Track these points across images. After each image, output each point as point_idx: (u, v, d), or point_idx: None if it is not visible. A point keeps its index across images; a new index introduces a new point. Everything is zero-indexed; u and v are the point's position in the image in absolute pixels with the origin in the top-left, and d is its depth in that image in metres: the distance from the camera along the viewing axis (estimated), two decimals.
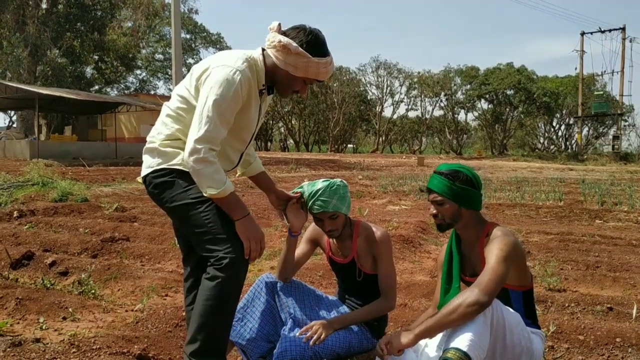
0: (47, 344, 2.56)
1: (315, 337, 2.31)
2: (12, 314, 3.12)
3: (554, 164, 29.59)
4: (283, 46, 2.05)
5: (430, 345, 2.12)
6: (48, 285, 3.61)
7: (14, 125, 36.99)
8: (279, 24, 2.13)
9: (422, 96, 49.30)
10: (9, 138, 25.31)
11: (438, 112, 50.56)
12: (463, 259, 2.23)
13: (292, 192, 2.49)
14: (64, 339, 2.67)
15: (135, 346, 2.61)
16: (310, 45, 2.06)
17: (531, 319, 2.18)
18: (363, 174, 17.04)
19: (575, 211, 8.38)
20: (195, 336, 2.03)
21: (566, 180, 14.72)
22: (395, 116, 52.60)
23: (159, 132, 2.16)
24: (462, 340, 1.81)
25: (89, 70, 36.72)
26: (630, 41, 38.01)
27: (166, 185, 2.10)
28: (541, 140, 51.38)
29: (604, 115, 40.87)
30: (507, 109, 45.52)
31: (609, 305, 3.33)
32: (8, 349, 2.39)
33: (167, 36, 40.63)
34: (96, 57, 34.36)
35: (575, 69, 40.29)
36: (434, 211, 2.18)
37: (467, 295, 1.86)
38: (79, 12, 29.71)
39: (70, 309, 3.18)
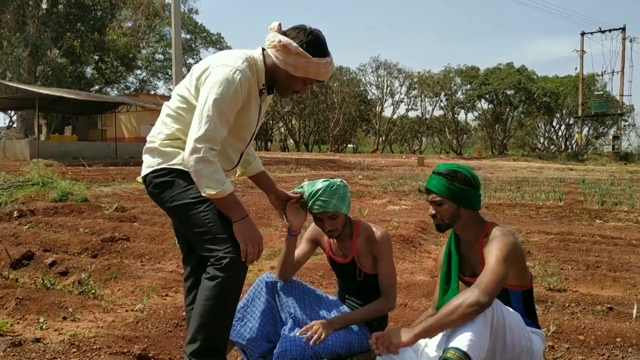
0: (47, 343, 2.56)
1: (315, 337, 2.31)
2: (12, 314, 3.12)
3: (554, 164, 29.59)
4: (283, 46, 2.05)
5: (430, 345, 2.12)
6: (48, 285, 3.61)
7: (14, 125, 37.00)
8: (279, 24, 2.13)
9: (422, 96, 49.31)
10: (9, 138, 25.31)
11: (438, 112, 50.62)
12: (462, 259, 2.23)
13: (292, 192, 2.49)
14: (64, 339, 2.67)
15: (136, 346, 2.61)
16: (311, 46, 2.06)
17: (531, 319, 2.18)
18: (363, 174, 17.04)
19: (576, 211, 8.38)
20: (196, 336, 2.03)
21: (566, 180, 14.72)
22: (395, 116, 52.66)
23: (159, 131, 2.16)
24: (462, 340, 1.81)
25: (89, 70, 36.73)
26: (631, 41, 38.06)
27: (166, 185, 2.10)
28: (541, 140, 51.39)
29: (604, 115, 40.86)
30: (507, 109, 45.51)
31: (609, 305, 3.33)
32: (8, 349, 2.38)
33: (167, 36, 40.64)
34: (96, 57, 34.37)
35: (576, 69, 40.35)
36: (433, 211, 2.18)
37: (468, 296, 1.86)
38: (79, 12, 29.71)
39: (70, 309, 3.18)
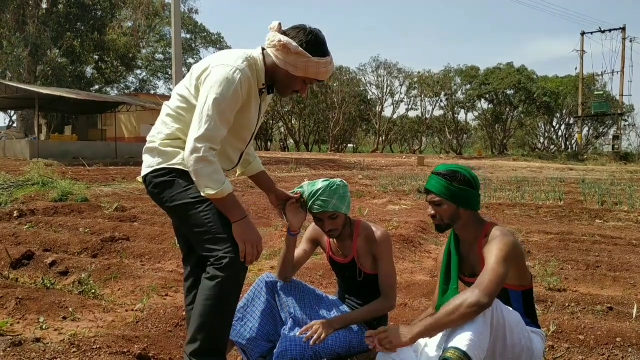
0: (48, 343, 2.56)
1: (315, 336, 2.30)
2: (12, 314, 3.12)
3: (554, 163, 29.59)
4: (283, 45, 2.05)
5: (430, 345, 2.12)
6: (48, 285, 3.61)
7: (14, 125, 37.00)
8: (279, 24, 2.13)
9: (422, 96, 49.31)
10: (9, 138, 25.32)
11: (438, 112, 50.62)
12: (462, 259, 2.23)
13: (292, 192, 2.49)
14: (64, 339, 2.67)
15: (136, 346, 2.61)
16: (310, 45, 2.06)
17: (531, 319, 2.18)
18: (363, 173, 17.04)
19: (576, 211, 8.38)
20: (196, 336, 2.03)
21: (566, 180, 14.72)
22: (395, 116, 52.66)
23: (159, 131, 2.16)
24: (462, 340, 1.81)
25: (89, 70, 36.73)
26: (631, 41, 38.05)
27: (166, 184, 2.10)
28: (541, 140, 51.38)
29: (604, 115, 40.85)
30: (507, 109, 45.51)
31: (609, 305, 3.33)
32: (8, 349, 2.38)
33: (167, 36, 40.64)
34: (96, 57, 34.37)
35: (576, 69, 40.33)
36: (432, 212, 2.18)
37: (468, 296, 1.86)
38: (79, 12, 29.71)
39: (70, 309, 3.18)
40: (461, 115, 50.78)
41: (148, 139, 2.20)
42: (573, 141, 46.61)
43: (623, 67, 37.37)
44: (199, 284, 2.08)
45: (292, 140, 52.68)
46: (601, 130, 46.87)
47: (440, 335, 2.03)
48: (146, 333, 2.83)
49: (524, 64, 45.23)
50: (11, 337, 2.56)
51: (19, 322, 3.02)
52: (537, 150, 48.25)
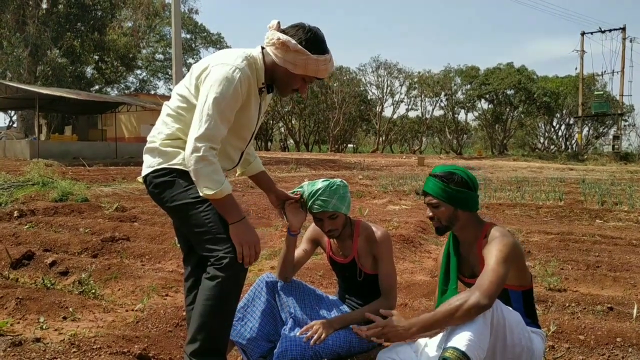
0: (48, 343, 2.56)
1: (315, 336, 2.30)
2: (12, 314, 3.12)
3: (554, 163, 29.59)
4: (282, 43, 2.04)
5: (430, 345, 2.12)
6: (48, 285, 3.61)
7: (14, 125, 37.01)
8: (278, 22, 2.13)
9: (422, 96, 49.31)
10: (9, 138, 25.33)
11: (438, 112, 50.63)
12: (461, 260, 2.23)
13: (292, 192, 2.49)
14: (64, 339, 2.67)
15: (136, 346, 2.61)
16: (309, 43, 2.06)
17: (531, 319, 2.18)
18: (363, 173, 17.04)
19: (576, 211, 8.37)
20: (196, 336, 2.03)
21: (566, 180, 14.72)
22: (395, 116, 52.66)
23: (160, 131, 2.16)
24: (461, 340, 1.81)
25: (89, 70, 36.74)
26: (631, 41, 38.04)
27: (166, 184, 2.10)
28: (541, 140, 51.38)
29: (604, 115, 40.85)
30: (507, 109, 45.51)
31: (609, 305, 3.32)
32: (8, 349, 2.38)
33: (167, 36, 40.64)
34: (96, 57, 34.38)
35: (576, 69, 40.33)
36: (430, 214, 2.18)
37: (468, 298, 1.85)
38: (79, 12, 29.71)
39: (70, 309, 3.18)
40: (461, 115, 50.88)
41: (148, 139, 2.20)
42: (573, 141, 46.61)
43: (623, 67, 37.40)
44: (199, 284, 2.08)
45: (292, 140, 52.69)
46: (601, 130, 46.88)
47: (440, 335, 2.03)
48: (146, 333, 2.83)
49: (524, 64, 45.31)
50: (11, 337, 2.56)
51: (19, 322, 3.02)
52: (537, 150, 48.25)
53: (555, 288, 3.80)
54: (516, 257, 2.04)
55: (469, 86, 45.75)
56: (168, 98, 2.51)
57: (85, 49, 31.76)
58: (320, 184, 2.40)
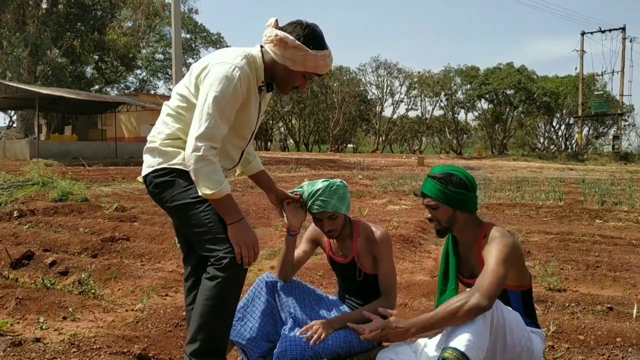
0: (47, 343, 2.56)
1: (315, 336, 2.30)
2: (12, 314, 3.12)
3: (554, 163, 29.59)
4: (280, 40, 2.04)
5: (430, 345, 2.12)
6: (48, 285, 3.61)
7: (14, 125, 37.00)
8: (276, 20, 2.12)
9: (422, 96, 49.31)
10: (9, 138, 25.31)
11: (438, 112, 50.64)
12: (461, 260, 2.22)
13: (292, 192, 2.48)
14: (64, 339, 2.67)
15: (136, 346, 2.61)
16: (308, 39, 2.05)
17: (531, 319, 2.18)
18: (363, 173, 17.04)
19: (576, 211, 8.37)
20: (195, 336, 2.03)
21: (566, 180, 14.72)
22: (395, 116, 52.67)
23: (160, 131, 2.16)
24: (461, 340, 1.81)
25: (89, 70, 36.72)
26: (631, 41, 38.04)
27: (166, 184, 2.10)
28: (541, 140, 51.39)
29: (604, 115, 40.86)
30: (507, 109, 45.52)
31: (609, 305, 3.33)
32: (8, 349, 2.38)
33: (167, 36, 40.63)
34: (96, 57, 34.36)
35: (576, 68, 40.33)
36: (429, 215, 2.17)
37: (468, 299, 1.85)
38: (79, 12, 29.70)
39: (70, 309, 3.18)
40: (461, 115, 50.88)
41: (148, 138, 2.20)
42: (573, 141, 46.61)
43: (623, 67, 37.41)
44: (199, 284, 2.08)
45: (292, 140, 52.68)
46: (601, 130, 46.88)
47: (439, 335, 2.03)
48: (146, 333, 2.83)
49: (524, 64, 45.34)
50: (11, 337, 2.56)
51: (19, 322, 3.02)
52: (537, 150, 48.25)
53: (555, 288, 3.80)
54: (516, 257, 2.04)
55: (468, 86, 45.75)
56: (168, 98, 2.51)
57: (85, 48, 31.75)
58: (320, 184, 2.40)
